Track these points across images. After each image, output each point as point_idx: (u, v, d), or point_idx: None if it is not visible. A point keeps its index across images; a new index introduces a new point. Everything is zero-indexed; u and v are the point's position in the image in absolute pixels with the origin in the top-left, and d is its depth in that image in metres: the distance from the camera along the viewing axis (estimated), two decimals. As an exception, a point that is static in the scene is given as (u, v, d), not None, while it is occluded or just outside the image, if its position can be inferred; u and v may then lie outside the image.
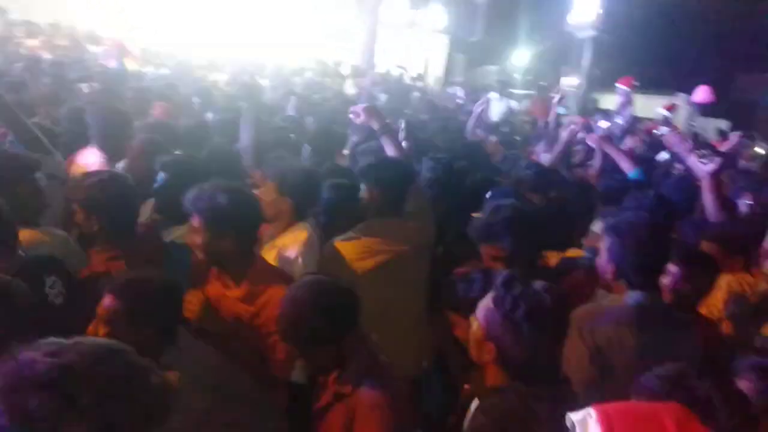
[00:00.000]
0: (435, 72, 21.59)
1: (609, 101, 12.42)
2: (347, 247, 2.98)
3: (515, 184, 4.25)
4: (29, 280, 2.14)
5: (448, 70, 21.37)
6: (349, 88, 12.22)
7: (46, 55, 8.19)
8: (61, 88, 5.68)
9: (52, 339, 1.21)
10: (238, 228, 2.52)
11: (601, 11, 14.63)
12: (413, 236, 3.08)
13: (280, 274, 2.69)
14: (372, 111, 3.54)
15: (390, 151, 3.40)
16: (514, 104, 12.53)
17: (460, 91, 13.99)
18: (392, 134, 3.48)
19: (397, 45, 21.66)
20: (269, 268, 2.72)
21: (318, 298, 2.09)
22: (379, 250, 2.97)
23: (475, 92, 13.68)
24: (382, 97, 10.56)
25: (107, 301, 2.02)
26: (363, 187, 3.17)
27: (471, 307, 2.42)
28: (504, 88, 12.90)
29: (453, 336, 2.51)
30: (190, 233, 2.57)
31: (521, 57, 20.78)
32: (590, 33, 14.92)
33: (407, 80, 16.33)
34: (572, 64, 15.75)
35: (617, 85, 10.31)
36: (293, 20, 18.26)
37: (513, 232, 2.88)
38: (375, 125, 3.50)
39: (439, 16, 20.52)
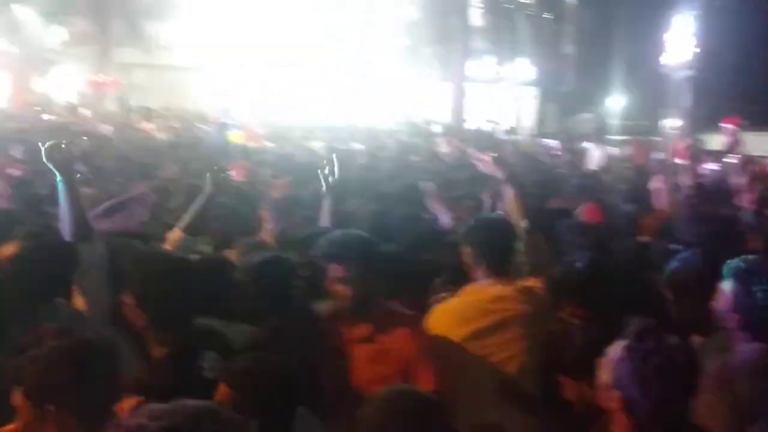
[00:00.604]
0: (526, 124, 21.51)
1: (716, 141, 11.85)
2: (449, 312, 2.88)
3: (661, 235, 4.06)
4: (187, 353, 2.27)
5: (540, 121, 21.23)
6: (442, 147, 12.33)
7: (162, 136, 8.89)
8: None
9: (156, 404, 1.29)
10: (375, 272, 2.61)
11: (696, 50, 14.17)
12: (522, 298, 2.95)
13: (401, 313, 2.74)
14: (497, 160, 3.51)
15: (509, 201, 3.31)
16: (613, 150, 12.20)
17: (554, 143, 13.81)
18: (515, 184, 3.39)
19: (485, 100, 21.88)
20: (389, 307, 2.76)
21: (399, 419, 1.83)
22: (485, 313, 2.88)
23: (571, 142, 13.47)
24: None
25: (221, 389, 2.03)
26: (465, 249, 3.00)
27: (574, 366, 2.35)
28: (600, 135, 12.62)
29: (559, 396, 2.43)
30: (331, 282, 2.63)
31: (616, 102, 20.36)
32: (687, 73, 14.44)
33: (499, 134, 16.35)
34: (671, 105, 15.24)
35: (722, 124, 9.85)
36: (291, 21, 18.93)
37: (587, 291, 2.76)
38: (500, 174, 3.46)
39: (527, 69, 20.58)
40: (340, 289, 2.61)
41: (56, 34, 17.31)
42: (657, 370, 1.81)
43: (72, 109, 12.74)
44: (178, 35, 18.92)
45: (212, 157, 6.89)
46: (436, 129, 15.27)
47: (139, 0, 17.58)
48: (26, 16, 16.67)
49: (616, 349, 1.92)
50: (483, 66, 20.16)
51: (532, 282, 2.99)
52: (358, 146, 10.47)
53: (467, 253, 2.96)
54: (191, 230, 3.64)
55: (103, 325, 2.73)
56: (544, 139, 14.77)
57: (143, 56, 19.12)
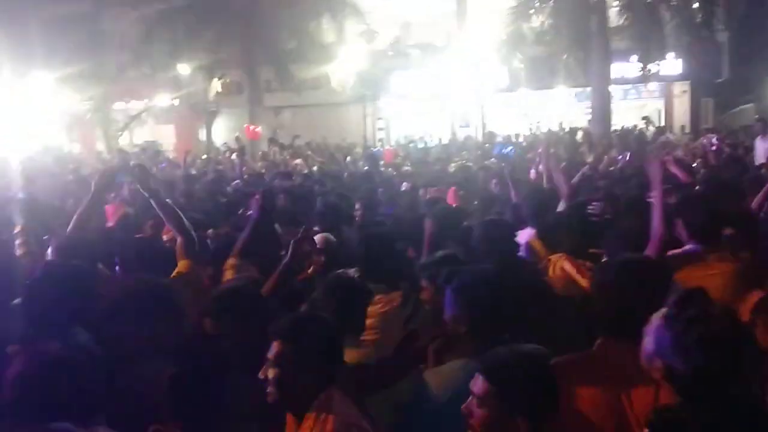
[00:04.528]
0: (679, 121, 20.12)
1: None
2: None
3: None
4: None
5: (695, 117, 19.74)
6: (586, 156, 11.87)
7: (304, 170, 9.45)
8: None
9: None
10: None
11: None
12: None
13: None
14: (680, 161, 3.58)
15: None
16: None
17: (713, 138, 12.75)
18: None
19: (631, 100, 20.78)
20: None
21: None
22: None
23: (733, 135, 12.38)
24: (620, 158, 10.08)
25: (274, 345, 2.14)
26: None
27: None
28: (766, 126, 11.45)
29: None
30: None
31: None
32: None
33: (649, 134, 15.43)
34: None
35: None
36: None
37: None
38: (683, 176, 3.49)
39: (675, 63, 19.29)
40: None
41: (212, 87, 19.03)
42: (697, 340, 1.75)
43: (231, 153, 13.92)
44: (323, 75, 20.05)
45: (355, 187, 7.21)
46: (579, 136, 14.73)
47: (285, 47, 18.85)
48: (186, 72, 18.53)
49: (657, 318, 1.87)
50: (627, 66, 19.21)
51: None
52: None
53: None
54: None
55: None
56: (708, 135, 13.68)
57: (291, 97, 20.48)
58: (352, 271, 3.17)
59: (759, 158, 10.15)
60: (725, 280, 3.07)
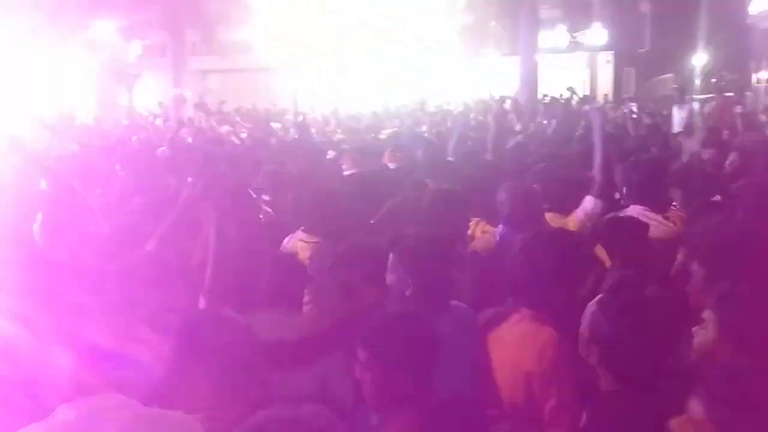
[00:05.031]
0: (603, 90, 20.74)
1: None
2: None
3: None
4: None
5: (617, 87, 20.39)
6: (515, 124, 12.05)
7: (235, 139, 9.15)
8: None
9: None
10: None
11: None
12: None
13: None
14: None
15: None
16: (695, 106, 11.57)
17: (633, 106, 13.21)
18: None
19: (558, 69, 21.22)
20: None
21: None
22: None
23: (653, 104, 12.84)
24: (552, 124, 10.30)
25: None
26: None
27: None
28: (683, 96, 11.95)
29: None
30: None
31: (700, 60, 19.21)
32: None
33: (575, 103, 15.81)
34: (761, 57, 14.21)
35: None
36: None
37: None
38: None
39: (601, 32, 19.79)
40: None
41: (134, 48, 18.13)
42: (633, 324, 1.74)
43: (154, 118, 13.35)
44: (251, 38, 19.40)
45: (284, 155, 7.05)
46: (507, 105, 14.93)
47: (211, 8, 18.10)
48: (105, 32, 17.56)
49: (592, 304, 1.91)
50: (554, 35, 19.53)
51: None
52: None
53: None
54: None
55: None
56: (629, 105, 14.16)
57: (218, 62, 19.78)
58: None
59: (676, 126, 10.61)
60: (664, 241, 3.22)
